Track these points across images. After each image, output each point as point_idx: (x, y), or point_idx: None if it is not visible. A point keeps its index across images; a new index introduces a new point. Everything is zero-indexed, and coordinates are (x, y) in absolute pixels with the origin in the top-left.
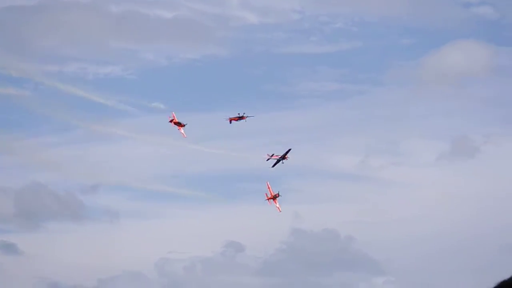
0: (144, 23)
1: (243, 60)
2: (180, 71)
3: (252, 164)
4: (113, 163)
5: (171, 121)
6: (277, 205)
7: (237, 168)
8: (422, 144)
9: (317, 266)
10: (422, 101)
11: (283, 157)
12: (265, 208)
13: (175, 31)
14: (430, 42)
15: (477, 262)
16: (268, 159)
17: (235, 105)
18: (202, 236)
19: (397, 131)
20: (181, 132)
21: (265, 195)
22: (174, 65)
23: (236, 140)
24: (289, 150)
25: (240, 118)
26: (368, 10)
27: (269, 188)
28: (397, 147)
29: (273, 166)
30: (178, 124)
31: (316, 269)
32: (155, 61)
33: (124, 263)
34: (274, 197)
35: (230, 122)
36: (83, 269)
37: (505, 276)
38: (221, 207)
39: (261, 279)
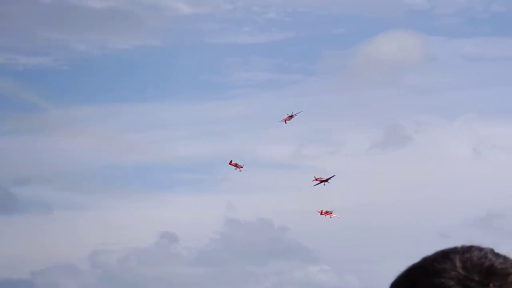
0: (75, 13)
1: (175, 51)
2: (112, 62)
3: (186, 154)
4: (45, 155)
5: (229, 163)
6: (335, 215)
7: (170, 158)
8: (355, 133)
9: (252, 256)
10: (354, 90)
11: (326, 180)
12: (198, 199)
13: (107, 22)
14: (362, 32)
15: (410, 250)
16: (313, 180)
17: (168, 96)
18: (136, 227)
19: (330, 120)
20: (241, 169)
21: (317, 211)
22: (107, 55)
23: (171, 130)
24: (333, 176)
25: (291, 116)
26: (301, 0)
27: (320, 211)
28: (331, 136)
29: (314, 185)
30: (236, 165)
31: (251, 259)
32: (87, 52)
33: (57, 255)
34: (327, 213)
35: (286, 123)
36: (16, 261)
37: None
38: (155, 197)
39: (196, 269)
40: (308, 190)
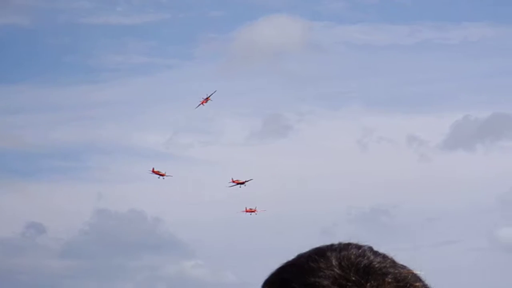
0: None
1: (45, 30)
2: None
3: (54, 140)
4: None
5: (152, 171)
6: (260, 210)
7: (37, 144)
8: (233, 122)
9: (124, 249)
10: (233, 77)
11: (243, 183)
12: (67, 188)
13: None
14: (242, 15)
15: (290, 245)
16: (230, 182)
17: (36, 78)
18: (1, 217)
19: (207, 107)
20: (165, 176)
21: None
22: None
23: (37, 115)
24: (251, 179)
25: (207, 99)
26: None
27: (247, 209)
28: (207, 125)
29: (230, 187)
30: (159, 173)
31: (123, 252)
32: None
33: None
34: (251, 210)
35: (203, 105)
36: None
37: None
38: (21, 186)
39: (64, 262)
40: (182, 180)
